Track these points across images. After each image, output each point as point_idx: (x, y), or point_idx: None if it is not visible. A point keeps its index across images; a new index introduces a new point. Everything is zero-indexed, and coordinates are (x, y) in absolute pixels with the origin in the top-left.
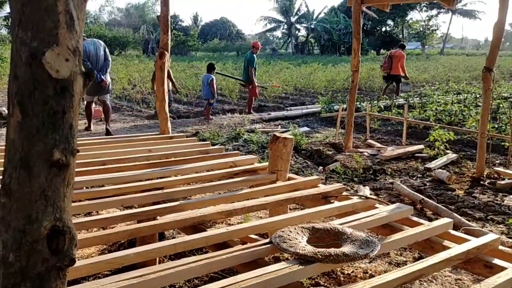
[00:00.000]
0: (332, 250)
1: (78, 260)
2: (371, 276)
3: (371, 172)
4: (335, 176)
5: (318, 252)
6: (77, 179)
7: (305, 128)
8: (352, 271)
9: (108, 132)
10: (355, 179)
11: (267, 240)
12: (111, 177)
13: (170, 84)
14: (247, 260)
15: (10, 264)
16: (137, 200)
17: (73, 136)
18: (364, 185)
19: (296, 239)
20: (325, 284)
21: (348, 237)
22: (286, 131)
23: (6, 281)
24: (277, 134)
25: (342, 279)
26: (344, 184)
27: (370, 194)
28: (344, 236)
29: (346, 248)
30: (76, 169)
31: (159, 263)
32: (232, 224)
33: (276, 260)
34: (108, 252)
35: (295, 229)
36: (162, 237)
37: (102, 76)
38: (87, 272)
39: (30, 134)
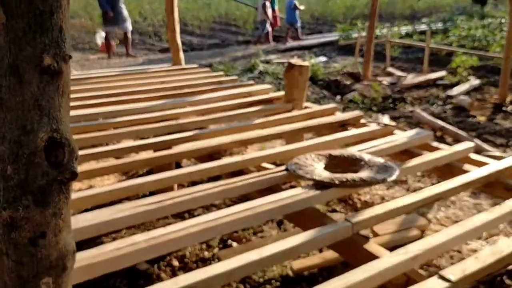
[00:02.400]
0: (349, 175)
1: (96, 187)
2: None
3: (390, 101)
4: (352, 106)
5: (335, 177)
6: (91, 111)
7: (322, 58)
8: (369, 198)
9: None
10: (374, 108)
11: (283, 168)
12: (125, 109)
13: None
14: (263, 187)
15: (9, 177)
16: (152, 131)
17: (63, 41)
18: (383, 114)
19: (312, 166)
20: (342, 210)
21: (365, 163)
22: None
23: (7, 194)
24: (292, 61)
25: (359, 205)
26: (363, 114)
27: (390, 123)
28: (361, 162)
29: (363, 174)
30: (90, 101)
31: None
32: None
33: (292, 187)
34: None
35: (311, 156)
36: (178, 168)
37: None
38: (105, 199)
39: (16, 37)
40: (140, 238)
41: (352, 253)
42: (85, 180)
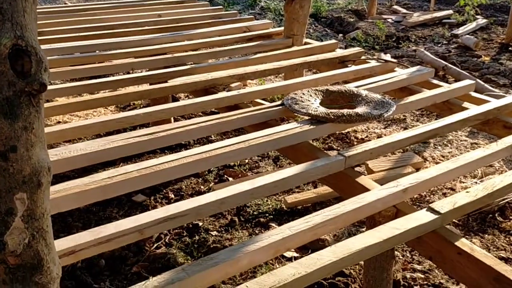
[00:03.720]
0: (345, 111)
1: (89, 118)
2: None
3: (394, 39)
4: (355, 45)
5: (331, 112)
6: (86, 42)
7: None
8: (366, 136)
9: None
10: (377, 47)
11: (279, 102)
12: (120, 41)
13: None
14: (258, 121)
15: None
16: (147, 64)
17: None
18: (385, 53)
19: (309, 101)
20: (338, 148)
21: (362, 99)
22: None
23: None
24: None
25: (355, 143)
26: (365, 53)
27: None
28: (358, 98)
29: (360, 109)
30: (85, 33)
31: None
32: None
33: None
34: None
35: (308, 91)
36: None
37: None
38: (98, 130)
39: None
40: (133, 168)
41: (344, 186)
42: (81, 111)
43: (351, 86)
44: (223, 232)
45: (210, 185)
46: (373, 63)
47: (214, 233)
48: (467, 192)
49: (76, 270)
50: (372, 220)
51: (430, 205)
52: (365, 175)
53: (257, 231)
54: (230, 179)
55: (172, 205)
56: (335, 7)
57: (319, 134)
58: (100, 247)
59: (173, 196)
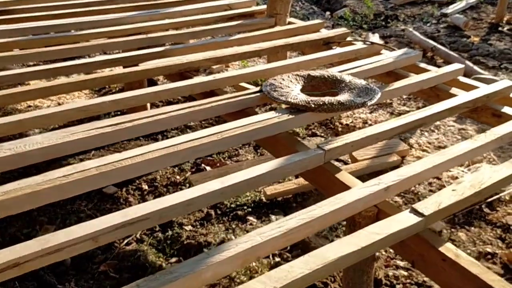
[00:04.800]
0: (326, 99)
1: (63, 104)
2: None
3: (382, 18)
4: (343, 23)
5: (311, 101)
6: (57, 21)
7: None
8: (351, 122)
9: None
10: (364, 26)
11: (257, 89)
12: (93, 20)
13: None
14: (235, 110)
15: None
16: (120, 45)
17: None
18: (373, 33)
19: (289, 87)
20: (322, 134)
21: (346, 85)
22: None
23: None
24: None
25: (340, 129)
26: (352, 32)
27: (379, 42)
28: (342, 84)
29: (343, 97)
30: (56, 11)
31: None
32: None
33: (272, 109)
34: None
35: (288, 77)
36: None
37: None
38: (61, 120)
39: None
40: (92, 165)
41: (323, 182)
42: (53, 96)
43: (334, 71)
44: (198, 226)
45: (187, 175)
46: (359, 45)
47: (189, 227)
48: (453, 190)
49: (39, 269)
50: (352, 221)
51: (413, 206)
52: (348, 163)
53: (234, 225)
54: (208, 168)
55: (132, 208)
56: None
57: (299, 124)
58: (48, 258)
59: (146, 187)
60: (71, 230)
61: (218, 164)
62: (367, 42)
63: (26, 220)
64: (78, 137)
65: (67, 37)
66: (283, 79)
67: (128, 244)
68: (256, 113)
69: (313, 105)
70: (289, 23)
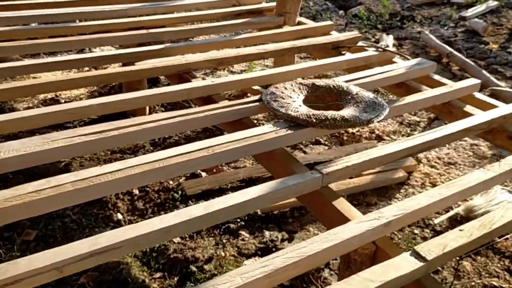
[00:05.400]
0: (330, 113)
1: (35, 107)
2: (378, 137)
3: (398, 18)
4: (357, 22)
5: (313, 115)
6: (54, 11)
7: None
8: (357, 130)
9: None
10: (379, 26)
11: (256, 97)
12: (93, 11)
13: None
14: (231, 119)
15: None
16: (119, 39)
17: None
18: (388, 34)
19: (291, 97)
20: (326, 142)
21: (352, 98)
22: None
23: None
24: None
25: (345, 138)
26: (366, 32)
27: (393, 44)
28: (348, 96)
29: (347, 111)
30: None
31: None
32: (236, 73)
33: (267, 120)
34: (99, 95)
35: (291, 85)
36: (155, 85)
37: None
38: (41, 123)
39: None
40: (67, 180)
41: (319, 208)
42: (51, 93)
43: (341, 81)
44: (187, 239)
45: (180, 180)
46: (370, 51)
47: (177, 239)
48: (460, 230)
49: None
50: (347, 257)
51: (415, 248)
52: (351, 178)
53: (225, 240)
54: (204, 174)
55: (104, 234)
56: None
57: (297, 140)
58: None
59: (137, 192)
60: (34, 258)
61: (214, 170)
62: (379, 49)
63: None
64: (58, 145)
65: (63, 29)
66: (286, 88)
67: None
68: (254, 124)
69: (314, 120)
70: (299, 22)
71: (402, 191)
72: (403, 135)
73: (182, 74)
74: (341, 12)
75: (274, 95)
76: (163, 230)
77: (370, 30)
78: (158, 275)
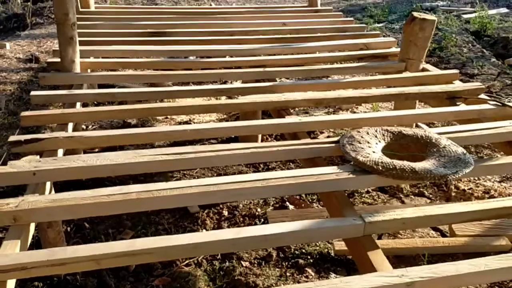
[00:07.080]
0: (400, 163)
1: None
2: (491, 197)
3: None
4: (511, 73)
5: (381, 162)
6: (196, 47)
7: (503, 10)
8: (470, 188)
9: None
10: None
11: (335, 139)
12: (229, 49)
13: None
14: (304, 157)
15: None
16: (238, 76)
17: None
18: None
19: (368, 143)
20: (431, 195)
21: (437, 151)
22: (473, 12)
23: None
24: (415, 14)
25: (453, 194)
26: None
27: None
28: (434, 148)
29: (423, 164)
30: (202, 37)
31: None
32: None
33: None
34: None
35: (375, 131)
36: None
37: None
38: (146, 141)
39: None
40: (134, 189)
41: (358, 254)
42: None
43: (433, 132)
44: (256, 265)
45: (268, 209)
46: (487, 105)
47: (246, 263)
48: None
49: (103, 269)
50: None
51: None
52: (447, 235)
53: (288, 273)
54: (291, 207)
55: (140, 240)
56: (507, 25)
57: (358, 186)
58: (52, 268)
59: (226, 213)
60: (80, 248)
61: (303, 205)
62: (499, 103)
63: (116, 220)
64: (143, 160)
65: (191, 63)
66: (367, 133)
67: (187, 265)
68: (324, 163)
69: (381, 168)
70: (423, 69)
71: None
72: None
73: (280, 110)
74: (494, 60)
75: (352, 139)
76: (190, 246)
77: None
78: None
